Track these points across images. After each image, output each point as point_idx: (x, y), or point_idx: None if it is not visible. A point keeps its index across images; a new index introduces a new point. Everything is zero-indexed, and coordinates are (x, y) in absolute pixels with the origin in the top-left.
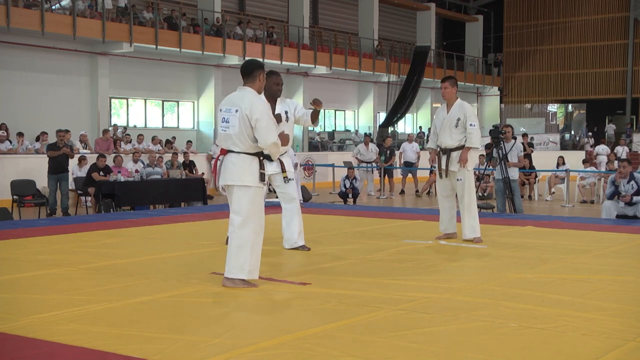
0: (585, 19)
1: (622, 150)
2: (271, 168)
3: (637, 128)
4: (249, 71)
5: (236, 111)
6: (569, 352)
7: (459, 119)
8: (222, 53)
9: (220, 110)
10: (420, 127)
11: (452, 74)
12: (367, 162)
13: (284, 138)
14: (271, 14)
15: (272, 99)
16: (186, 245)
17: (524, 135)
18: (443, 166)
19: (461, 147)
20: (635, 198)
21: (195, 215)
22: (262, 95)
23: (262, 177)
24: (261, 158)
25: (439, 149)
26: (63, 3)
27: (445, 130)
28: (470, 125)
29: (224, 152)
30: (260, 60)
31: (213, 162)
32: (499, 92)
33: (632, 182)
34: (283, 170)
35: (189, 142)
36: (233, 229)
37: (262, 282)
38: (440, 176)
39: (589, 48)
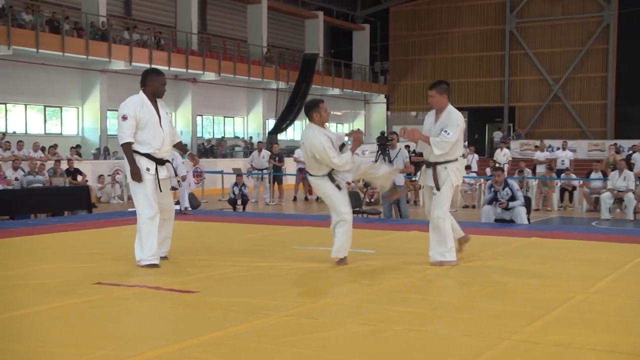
0: (466, 30)
1: (502, 154)
2: (162, 173)
3: (515, 136)
4: (305, 112)
5: (303, 144)
6: (449, 353)
7: (442, 129)
8: (108, 58)
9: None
10: None
11: (340, 81)
12: (259, 169)
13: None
14: (158, 19)
15: (154, 98)
16: (69, 255)
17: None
18: (428, 182)
19: (446, 162)
20: (511, 203)
21: (80, 224)
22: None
23: (338, 187)
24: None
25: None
26: None
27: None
28: (445, 132)
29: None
30: (317, 98)
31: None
32: (385, 100)
33: (507, 188)
34: (175, 174)
35: (73, 148)
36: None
37: (149, 292)
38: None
39: (470, 58)
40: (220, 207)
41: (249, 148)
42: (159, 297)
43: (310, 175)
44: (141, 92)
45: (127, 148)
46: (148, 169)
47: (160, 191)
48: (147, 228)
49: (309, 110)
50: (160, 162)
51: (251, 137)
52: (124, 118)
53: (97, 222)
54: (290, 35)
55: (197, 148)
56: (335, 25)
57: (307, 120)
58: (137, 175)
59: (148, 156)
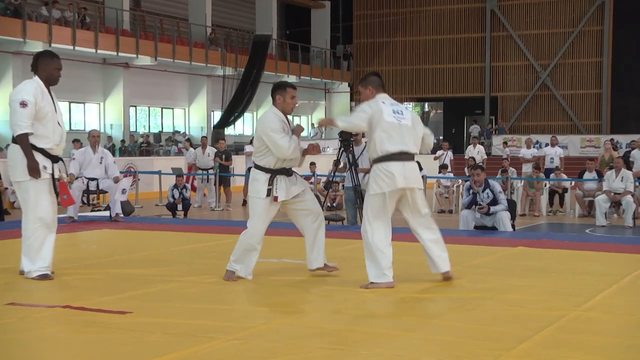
0: (441, 8)
1: (475, 151)
2: (57, 172)
3: (497, 130)
4: (271, 94)
5: (256, 128)
6: None
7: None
8: (22, 38)
9: None
10: None
11: (296, 67)
12: (204, 169)
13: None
14: None
15: (48, 86)
16: None
17: None
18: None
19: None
20: (492, 208)
21: None
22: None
23: (268, 192)
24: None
25: None
26: None
27: None
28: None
29: None
30: (288, 82)
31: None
32: (349, 89)
33: (488, 190)
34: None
35: None
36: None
37: (72, 313)
38: None
39: (445, 41)
40: (158, 214)
41: (170, 144)
42: (84, 319)
43: (254, 165)
44: (36, 77)
45: (25, 139)
46: (45, 167)
47: (56, 193)
48: (43, 235)
49: (274, 91)
50: (55, 160)
51: (182, 132)
52: (24, 105)
53: (10, 231)
54: (238, 13)
55: (110, 145)
56: (290, 2)
57: (260, 110)
58: (35, 171)
59: (43, 152)
